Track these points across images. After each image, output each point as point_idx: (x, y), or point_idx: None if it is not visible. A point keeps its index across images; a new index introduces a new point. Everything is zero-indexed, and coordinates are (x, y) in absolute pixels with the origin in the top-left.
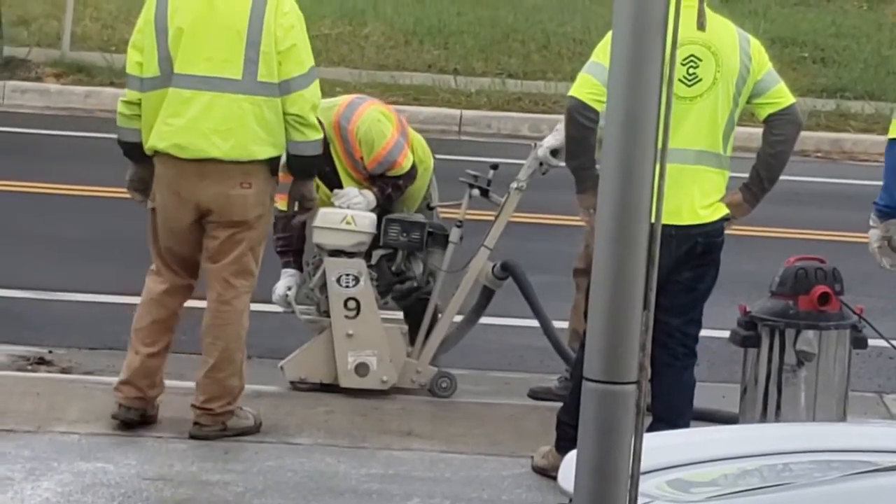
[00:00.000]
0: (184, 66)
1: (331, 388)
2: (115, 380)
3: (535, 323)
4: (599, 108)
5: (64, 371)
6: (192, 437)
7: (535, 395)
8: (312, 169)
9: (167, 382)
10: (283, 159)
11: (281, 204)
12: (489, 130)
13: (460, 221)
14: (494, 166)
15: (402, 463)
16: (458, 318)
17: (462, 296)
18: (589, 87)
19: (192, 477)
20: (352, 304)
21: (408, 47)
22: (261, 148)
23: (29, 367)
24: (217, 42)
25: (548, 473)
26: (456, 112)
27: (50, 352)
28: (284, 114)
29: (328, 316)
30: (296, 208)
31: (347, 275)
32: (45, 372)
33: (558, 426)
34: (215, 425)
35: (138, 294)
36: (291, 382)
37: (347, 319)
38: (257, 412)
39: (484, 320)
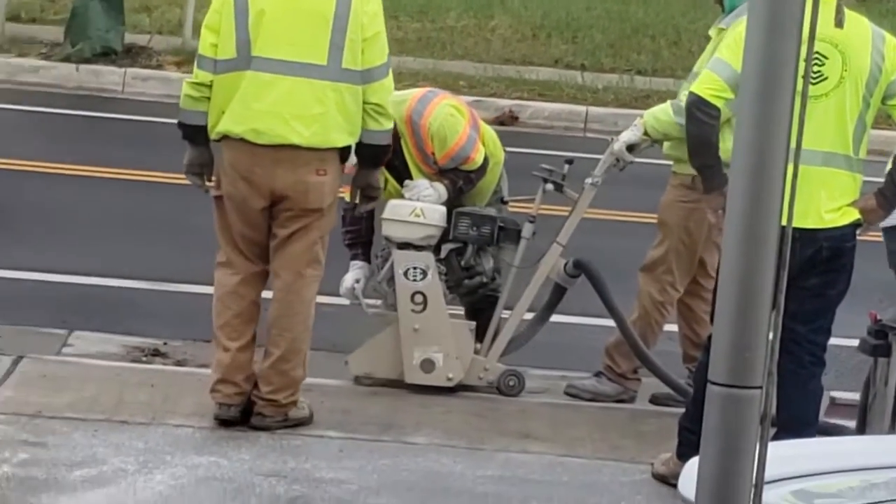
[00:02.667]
0: (265, 50)
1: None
2: None
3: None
4: (720, 104)
5: (178, 363)
6: (254, 427)
7: (657, 400)
8: (382, 158)
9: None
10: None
11: (348, 196)
12: (616, 128)
13: (533, 216)
14: (570, 161)
15: (519, 465)
16: (528, 316)
17: (532, 293)
18: (710, 83)
19: (305, 474)
20: (419, 298)
21: (535, 41)
22: (339, 136)
23: (144, 359)
24: (302, 26)
25: (668, 481)
26: (582, 108)
27: (165, 343)
28: (364, 102)
29: (395, 310)
30: (358, 199)
31: (415, 268)
32: (160, 364)
33: (680, 432)
34: (278, 416)
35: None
36: (356, 377)
37: (414, 314)
38: (310, 402)
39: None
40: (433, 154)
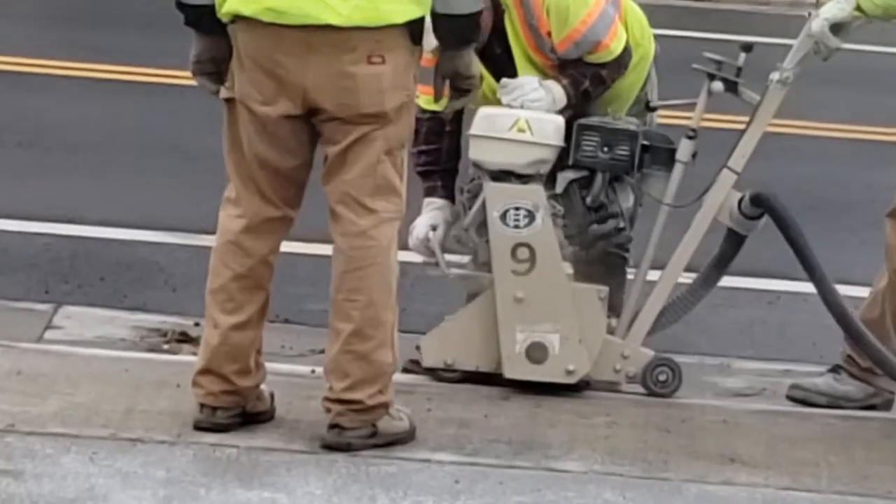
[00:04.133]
0: None
1: (518, 383)
2: (290, 367)
3: (809, 287)
4: None
5: None
6: (328, 447)
7: (796, 398)
8: (470, 32)
9: None
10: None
11: (422, 100)
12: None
13: (693, 130)
14: (747, 47)
15: (720, 503)
16: (688, 279)
17: (693, 243)
18: None
19: None
20: (524, 252)
21: None
22: (397, 6)
23: (165, 347)
24: None
25: None
26: None
27: (196, 324)
28: None
29: (488, 270)
30: (446, 94)
31: (518, 209)
32: (190, 353)
33: None
34: (363, 427)
35: (322, 240)
36: (431, 370)
37: (516, 276)
38: (410, 411)
39: (776, 284)
40: (549, 35)
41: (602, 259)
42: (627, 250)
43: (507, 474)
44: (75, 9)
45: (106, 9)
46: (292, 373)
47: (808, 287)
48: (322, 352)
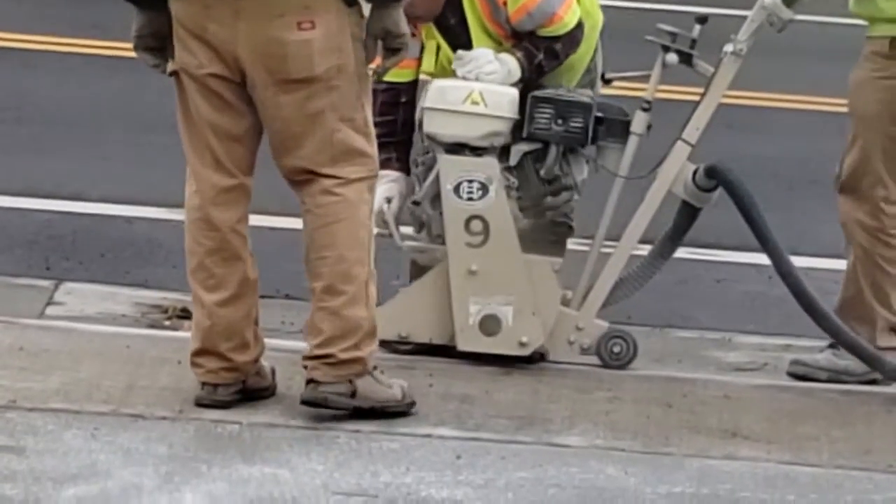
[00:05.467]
0: None
1: (479, 356)
2: (291, 343)
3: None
4: None
5: None
6: (305, 402)
7: (797, 373)
8: None
9: None
10: None
11: (390, 73)
12: None
13: (648, 102)
14: (702, 19)
15: (723, 478)
16: (643, 251)
17: (647, 215)
18: None
19: (406, 492)
20: (477, 225)
21: None
22: None
23: (167, 323)
24: None
25: None
26: None
27: None
28: None
29: (442, 243)
30: (379, 56)
31: (471, 181)
32: (190, 329)
33: None
34: (339, 383)
35: None
36: (385, 342)
37: (470, 249)
38: (405, 383)
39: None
40: (505, 5)
41: (548, 228)
42: (572, 220)
43: (508, 449)
44: None
45: None
46: (293, 349)
47: (809, 262)
48: None
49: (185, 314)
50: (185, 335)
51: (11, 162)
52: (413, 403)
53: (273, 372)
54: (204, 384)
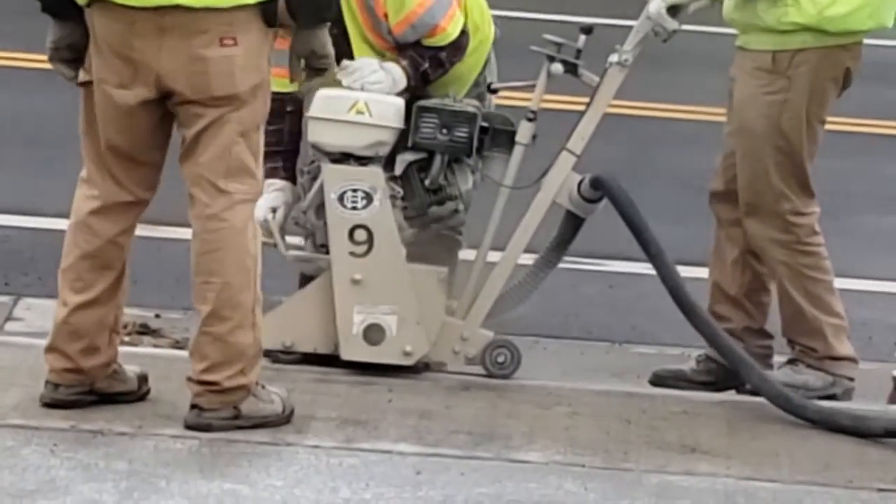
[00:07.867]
0: None
1: (372, 366)
2: None
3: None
4: None
5: (177, 345)
6: (189, 426)
7: (661, 381)
8: (324, 12)
9: None
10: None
11: (275, 83)
12: None
13: (533, 112)
14: (587, 29)
15: (682, 494)
16: (527, 260)
17: (532, 225)
18: None
19: None
20: (361, 234)
21: None
22: None
23: (126, 339)
24: None
25: None
26: None
27: (157, 316)
28: None
29: (326, 252)
30: (303, 73)
31: (355, 191)
32: (151, 345)
33: None
34: (223, 409)
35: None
36: (269, 352)
37: (354, 258)
38: (287, 394)
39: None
40: (386, 18)
41: (435, 240)
42: (461, 233)
43: (468, 465)
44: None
45: None
46: None
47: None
48: None
49: (143, 330)
50: (144, 351)
51: None
52: (292, 411)
53: (142, 378)
54: (47, 382)
